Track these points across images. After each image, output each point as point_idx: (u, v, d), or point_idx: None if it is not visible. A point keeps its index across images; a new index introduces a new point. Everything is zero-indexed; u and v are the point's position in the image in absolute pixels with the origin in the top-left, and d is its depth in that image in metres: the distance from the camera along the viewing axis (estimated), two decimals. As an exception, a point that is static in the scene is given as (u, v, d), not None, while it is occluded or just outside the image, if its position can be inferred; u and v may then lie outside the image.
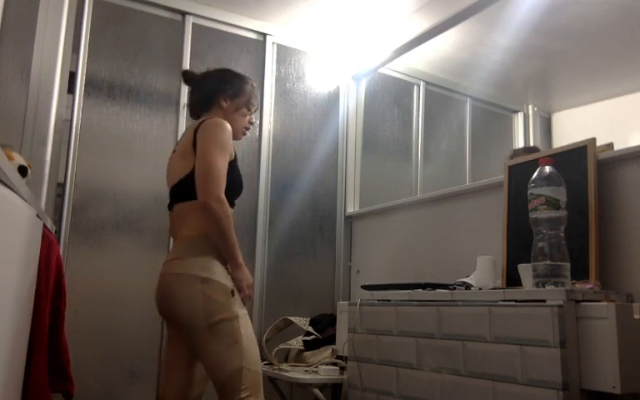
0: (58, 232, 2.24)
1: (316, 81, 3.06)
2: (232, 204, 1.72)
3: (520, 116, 3.82)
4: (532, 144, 3.76)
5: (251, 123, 1.95)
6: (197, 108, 1.90)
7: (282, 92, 2.95)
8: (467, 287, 1.76)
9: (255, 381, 1.61)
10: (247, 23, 2.84)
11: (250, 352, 1.62)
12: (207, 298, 1.60)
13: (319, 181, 2.98)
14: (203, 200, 1.63)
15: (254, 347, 1.65)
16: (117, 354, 2.36)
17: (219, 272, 1.65)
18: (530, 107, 3.82)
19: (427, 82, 3.39)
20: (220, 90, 1.88)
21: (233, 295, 1.64)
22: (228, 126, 1.75)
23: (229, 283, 1.65)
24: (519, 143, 3.77)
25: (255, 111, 1.97)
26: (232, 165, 1.75)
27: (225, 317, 1.60)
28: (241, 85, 1.92)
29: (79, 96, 2.39)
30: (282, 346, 2.52)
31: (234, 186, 1.77)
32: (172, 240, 1.82)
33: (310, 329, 2.53)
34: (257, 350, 1.66)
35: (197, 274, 1.62)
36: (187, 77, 1.96)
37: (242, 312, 1.64)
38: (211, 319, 1.59)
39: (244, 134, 1.95)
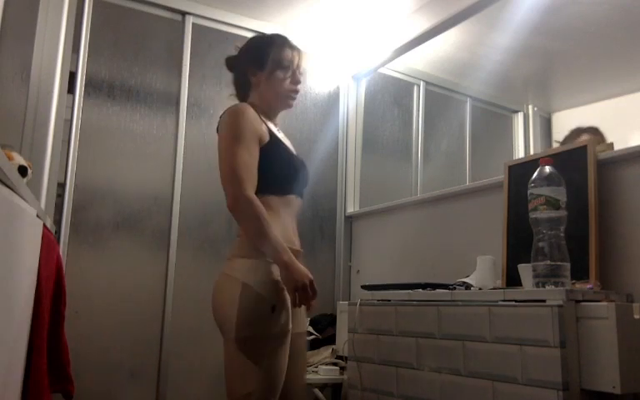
0: (58, 232, 2.24)
1: (316, 81, 3.07)
2: (280, 191, 1.55)
3: (520, 116, 3.82)
4: (532, 145, 3.76)
5: (295, 83, 1.67)
6: (240, 95, 1.72)
7: (282, 92, 2.95)
8: (467, 287, 1.76)
9: None
10: (247, 23, 2.84)
11: (268, 381, 1.42)
12: (242, 308, 1.42)
13: (319, 181, 2.98)
14: (229, 208, 1.46)
15: (275, 377, 1.43)
16: (117, 354, 2.36)
17: (263, 280, 1.45)
18: (530, 107, 3.82)
19: (427, 82, 3.39)
20: (246, 66, 1.68)
21: (273, 311, 1.43)
22: (243, 109, 1.54)
23: (272, 297, 1.44)
24: (519, 143, 3.77)
25: (296, 68, 1.67)
26: (269, 148, 1.54)
27: (257, 333, 1.42)
28: (264, 48, 1.67)
29: (79, 96, 2.38)
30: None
31: (277, 170, 1.56)
32: None
33: (310, 329, 2.53)
34: (278, 383, 1.44)
35: (239, 278, 1.45)
36: (228, 63, 1.76)
37: (278, 332, 1.44)
38: (239, 333, 1.41)
39: (293, 99, 1.68)
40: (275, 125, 1.71)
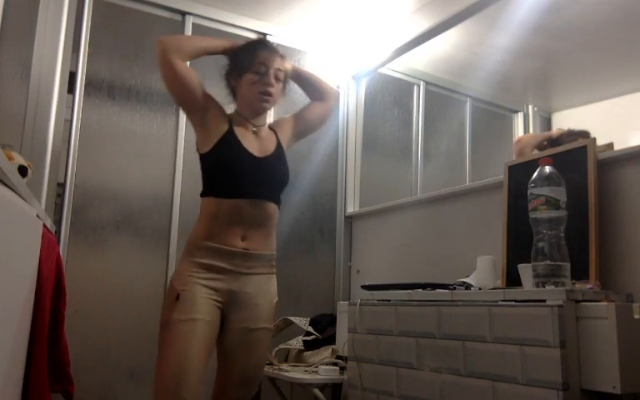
0: (58, 232, 2.24)
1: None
2: (221, 194, 1.66)
3: (520, 116, 3.82)
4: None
5: (265, 86, 1.71)
6: (234, 102, 1.82)
7: (282, 92, 2.95)
8: (467, 287, 1.76)
9: (162, 389, 1.52)
10: (247, 23, 2.84)
11: (167, 361, 1.53)
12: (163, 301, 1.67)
13: (319, 181, 2.98)
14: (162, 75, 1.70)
15: (174, 356, 1.53)
16: (117, 354, 2.36)
17: (178, 273, 1.64)
18: (530, 107, 3.82)
19: (427, 82, 3.39)
20: (229, 72, 1.79)
21: (177, 299, 1.58)
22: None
23: (179, 285, 1.60)
24: (519, 143, 3.77)
25: (269, 70, 1.71)
26: (218, 147, 1.68)
27: (162, 321, 1.59)
28: (239, 52, 1.76)
29: (79, 96, 2.38)
30: (282, 346, 2.52)
31: (219, 174, 1.68)
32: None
33: (310, 329, 2.53)
34: (177, 361, 1.52)
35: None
36: (222, 72, 1.87)
37: (182, 317, 1.56)
38: (161, 321, 1.60)
39: (266, 102, 1.74)
40: (255, 127, 1.78)
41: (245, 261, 1.67)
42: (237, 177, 1.67)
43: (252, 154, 1.72)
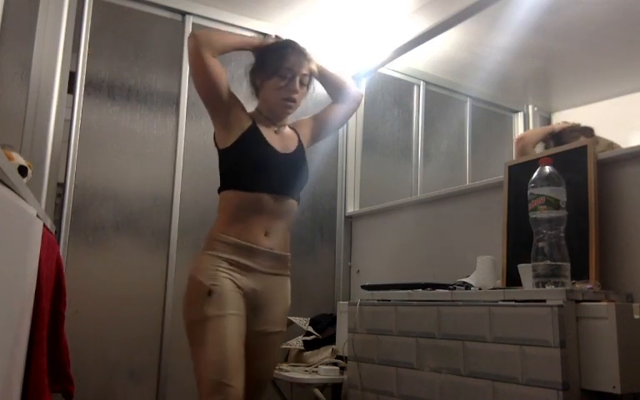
0: (58, 232, 2.24)
1: (316, 81, 3.06)
2: (243, 187, 1.65)
3: (520, 116, 3.82)
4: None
5: (290, 92, 1.71)
6: (255, 99, 1.82)
7: (282, 92, 2.95)
8: (467, 287, 1.76)
9: (209, 389, 1.49)
10: (247, 23, 2.84)
11: (209, 356, 1.51)
12: (185, 297, 1.62)
13: (319, 181, 2.98)
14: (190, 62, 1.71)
15: (216, 350, 1.51)
16: (117, 354, 2.36)
17: (203, 268, 1.60)
18: (530, 107, 3.82)
19: (427, 82, 3.39)
20: (254, 70, 1.78)
21: (210, 295, 1.54)
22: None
23: (208, 280, 1.57)
24: (519, 143, 3.77)
25: (293, 77, 1.70)
26: (242, 140, 1.67)
27: (194, 318, 1.56)
28: (268, 54, 1.75)
29: (79, 96, 2.38)
30: (282, 346, 2.52)
31: (242, 166, 1.67)
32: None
33: (310, 329, 2.53)
34: (220, 354, 1.51)
35: (190, 273, 1.65)
36: (246, 68, 1.86)
37: (217, 313, 1.54)
38: (186, 320, 1.59)
39: (289, 108, 1.74)
40: (276, 128, 1.78)
41: (268, 260, 1.68)
42: (261, 170, 1.66)
43: (275, 149, 1.72)
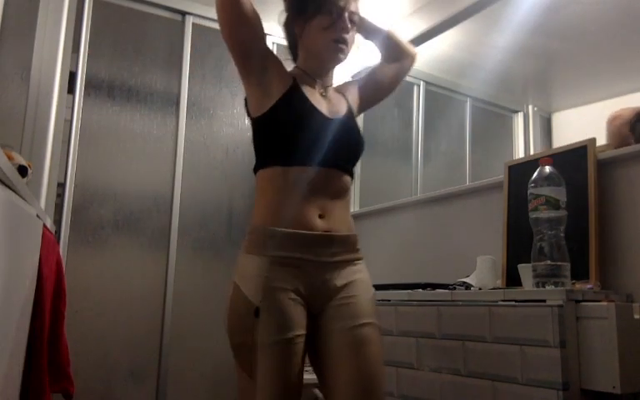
0: (58, 232, 2.24)
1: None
2: (285, 161, 1.31)
3: (520, 116, 3.82)
4: (532, 145, 3.76)
5: (341, 31, 1.37)
6: (294, 59, 1.50)
7: (282, 92, 2.95)
8: (467, 287, 1.76)
9: None
10: (247, 23, 2.84)
11: (266, 388, 1.22)
12: (228, 311, 1.28)
13: (319, 181, 2.97)
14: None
15: (274, 382, 1.23)
16: (117, 354, 2.36)
17: (249, 277, 1.27)
18: (530, 107, 3.82)
19: (427, 82, 3.38)
20: (290, 16, 1.46)
21: (258, 316, 1.23)
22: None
23: (256, 296, 1.24)
24: (519, 143, 3.77)
25: (341, 12, 1.37)
26: (281, 103, 1.34)
27: (241, 342, 1.26)
28: None
29: (79, 96, 2.39)
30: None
31: (280, 137, 1.34)
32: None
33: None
34: (279, 386, 1.24)
35: (233, 277, 1.30)
36: (280, 20, 1.56)
37: (267, 340, 1.22)
38: (231, 340, 1.28)
39: (341, 52, 1.39)
40: (322, 89, 1.46)
41: (328, 247, 1.33)
42: (308, 138, 1.33)
43: (323, 113, 1.39)
